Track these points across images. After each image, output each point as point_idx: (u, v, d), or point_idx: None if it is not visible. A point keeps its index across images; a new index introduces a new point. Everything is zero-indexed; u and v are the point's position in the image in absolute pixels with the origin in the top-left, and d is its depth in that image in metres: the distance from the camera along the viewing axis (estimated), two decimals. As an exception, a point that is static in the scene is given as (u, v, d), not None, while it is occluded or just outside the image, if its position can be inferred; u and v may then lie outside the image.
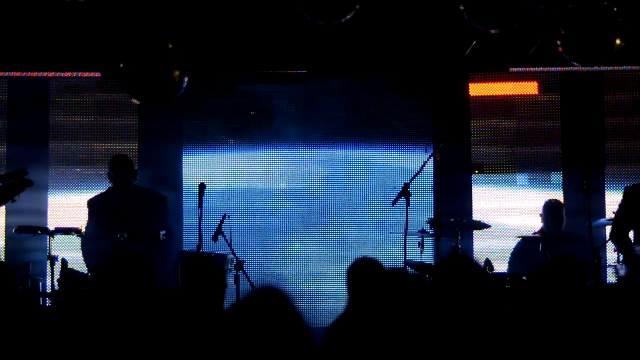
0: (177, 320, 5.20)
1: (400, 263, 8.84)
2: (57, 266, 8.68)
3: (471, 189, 10.48)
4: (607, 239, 9.03)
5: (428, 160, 9.21)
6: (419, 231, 9.20)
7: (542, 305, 5.00)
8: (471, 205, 10.40)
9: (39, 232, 9.08)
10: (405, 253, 8.90)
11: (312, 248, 10.43)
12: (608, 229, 9.14)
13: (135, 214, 9.23)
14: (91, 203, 9.47)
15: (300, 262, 10.40)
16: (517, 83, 10.61)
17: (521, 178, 10.62)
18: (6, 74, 10.41)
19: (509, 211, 10.36)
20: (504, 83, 10.62)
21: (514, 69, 10.44)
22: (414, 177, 9.09)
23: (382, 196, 10.16)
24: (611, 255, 9.11)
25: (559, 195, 10.24)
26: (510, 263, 9.61)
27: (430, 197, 9.99)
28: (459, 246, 9.14)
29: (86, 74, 10.40)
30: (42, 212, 10.28)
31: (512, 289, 8.41)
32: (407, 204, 9.02)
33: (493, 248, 9.97)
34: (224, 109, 10.58)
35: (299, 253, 10.42)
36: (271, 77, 10.45)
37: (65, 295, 8.54)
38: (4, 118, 10.47)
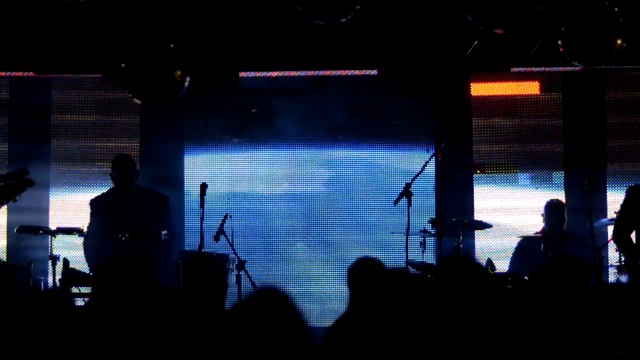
0: (178, 320, 5.20)
1: (401, 263, 8.84)
2: (59, 266, 8.70)
3: (473, 188, 10.48)
4: (609, 239, 9.02)
5: (430, 160, 9.21)
6: (421, 231, 9.20)
7: (543, 305, 5.00)
8: (473, 205, 10.40)
9: (41, 232, 9.09)
10: (406, 253, 8.90)
11: (313, 248, 10.43)
12: (609, 228, 9.13)
13: (137, 214, 9.24)
14: (93, 203, 9.48)
15: (301, 262, 10.40)
16: (519, 83, 10.60)
17: (523, 178, 10.61)
18: (8, 74, 10.42)
19: (510, 211, 10.36)
20: (505, 83, 10.62)
21: (516, 69, 10.44)
22: (415, 177, 9.09)
23: (383, 196, 10.16)
24: (613, 255, 9.10)
25: (560, 195, 10.24)
26: (512, 263, 9.61)
27: (431, 197, 9.98)
28: (461, 246, 9.13)
29: (88, 75, 10.40)
30: (44, 210, 10.29)
31: (513, 289, 8.41)
32: (409, 204, 9.01)
33: (495, 248, 9.97)
34: (226, 109, 10.58)
35: (301, 253, 10.42)
36: (272, 88, 10.47)
37: (66, 295, 8.55)
38: (6, 116, 10.48)
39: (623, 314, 4.75)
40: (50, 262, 8.79)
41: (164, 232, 8.86)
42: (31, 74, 10.35)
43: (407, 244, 8.93)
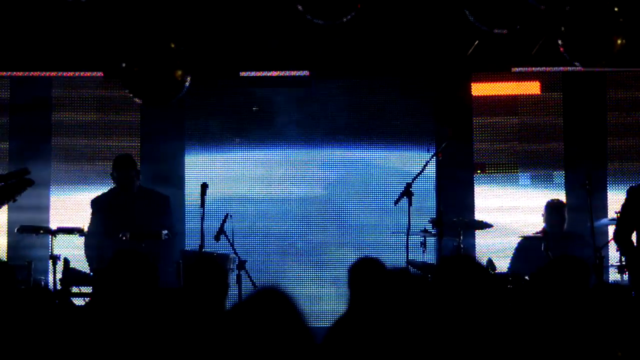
0: (179, 320, 5.20)
1: (402, 263, 8.84)
2: (60, 265, 8.70)
3: (473, 188, 10.48)
4: (609, 238, 9.01)
5: (430, 160, 9.21)
6: (422, 231, 9.20)
7: (543, 305, 5.00)
8: (473, 205, 10.40)
9: (42, 231, 9.08)
10: (407, 253, 8.91)
11: (314, 247, 10.43)
12: (610, 228, 9.13)
13: (138, 213, 9.24)
14: (94, 202, 9.48)
15: (302, 261, 10.40)
16: (520, 83, 10.60)
17: (523, 177, 10.61)
18: (8, 73, 10.44)
19: (511, 210, 10.36)
20: (506, 83, 10.62)
21: (516, 69, 10.44)
22: (416, 177, 9.09)
23: (384, 196, 10.16)
24: (613, 254, 9.10)
25: (561, 194, 10.24)
26: (513, 263, 9.61)
27: (432, 197, 9.98)
28: (461, 246, 9.13)
29: (88, 74, 10.41)
30: (44, 209, 10.30)
31: (514, 289, 8.41)
32: (410, 203, 9.02)
33: (495, 247, 9.97)
34: (226, 109, 10.58)
35: (301, 253, 10.42)
36: (274, 80, 10.47)
37: (67, 295, 8.56)
38: (7, 115, 10.49)
39: (623, 313, 4.75)
40: (50, 261, 8.78)
41: (165, 231, 8.86)
42: (32, 73, 10.36)
43: (407, 243, 8.93)
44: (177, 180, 10.40)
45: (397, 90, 10.54)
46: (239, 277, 8.80)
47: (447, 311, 4.15)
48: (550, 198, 9.89)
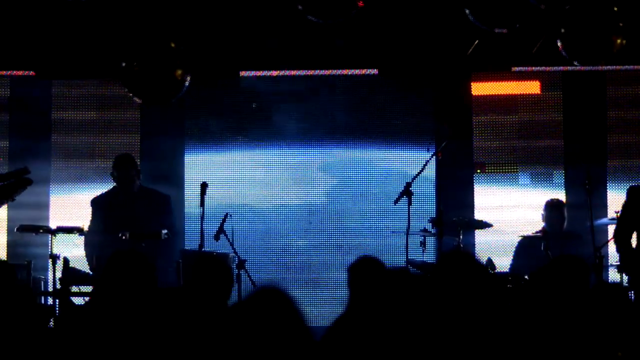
0: (178, 319, 5.20)
1: (402, 262, 8.85)
2: (59, 265, 8.70)
3: (473, 187, 10.48)
4: (609, 238, 9.01)
5: (430, 159, 9.21)
6: (421, 230, 9.20)
7: (543, 305, 5.00)
8: (473, 204, 10.40)
9: (41, 230, 9.08)
10: (407, 252, 8.91)
11: (313, 246, 10.43)
12: (610, 228, 9.13)
13: (138, 213, 9.24)
14: (94, 202, 9.48)
15: (302, 261, 10.40)
16: (520, 82, 10.60)
17: (523, 176, 10.61)
18: (8, 73, 10.45)
19: (511, 209, 10.36)
20: (506, 82, 10.62)
21: (516, 68, 10.44)
22: (416, 177, 9.09)
23: (384, 196, 10.16)
24: (613, 254, 9.09)
25: (561, 193, 10.25)
26: (513, 262, 9.61)
27: (432, 197, 9.98)
28: (461, 245, 9.14)
29: (87, 79, 10.44)
30: (44, 206, 10.31)
31: (514, 289, 8.41)
32: (409, 203, 9.02)
33: (495, 247, 9.97)
34: (226, 108, 10.58)
35: (301, 252, 10.43)
36: (274, 80, 10.48)
37: (67, 294, 8.56)
38: (7, 112, 10.50)
39: (623, 313, 4.75)
40: (50, 261, 8.79)
41: (164, 231, 8.86)
42: (32, 73, 10.37)
43: (407, 243, 8.93)
44: (177, 179, 10.40)
45: (397, 90, 10.54)
46: (238, 276, 8.80)
47: (445, 309, 4.15)
48: (550, 197, 9.89)
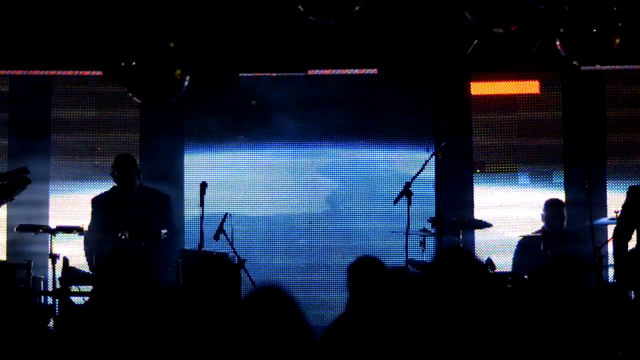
0: (178, 319, 5.20)
1: (401, 262, 8.85)
2: (59, 264, 8.70)
3: (473, 187, 10.49)
4: (609, 237, 9.00)
5: (430, 159, 9.21)
6: (421, 230, 9.21)
7: (544, 304, 5.00)
8: (473, 204, 10.40)
9: (41, 230, 9.08)
10: (406, 252, 8.91)
11: (313, 246, 10.43)
12: (610, 228, 9.12)
13: (138, 213, 9.23)
14: (95, 201, 9.48)
15: (301, 260, 10.40)
16: (519, 82, 10.61)
17: (523, 175, 10.61)
18: (8, 72, 10.45)
19: (511, 209, 10.36)
20: (505, 82, 10.62)
21: (516, 68, 10.44)
22: (415, 176, 9.09)
23: (383, 195, 10.16)
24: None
25: (560, 192, 10.25)
26: (513, 262, 9.61)
27: (431, 196, 9.98)
28: (461, 245, 9.13)
29: (87, 73, 10.43)
30: (43, 204, 10.31)
31: (514, 288, 8.41)
32: (409, 203, 9.01)
33: (495, 247, 9.98)
34: (226, 108, 10.58)
35: (301, 251, 10.43)
36: (273, 80, 10.48)
37: (66, 294, 8.56)
38: (6, 110, 10.51)
39: (623, 312, 4.75)
40: (50, 260, 8.79)
41: (164, 231, 8.86)
42: (31, 72, 10.38)
43: (407, 243, 8.93)
44: (176, 178, 10.41)
45: (396, 90, 10.54)
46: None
47: (444, 307, 4.15)
48: (550, 196, 9.89)
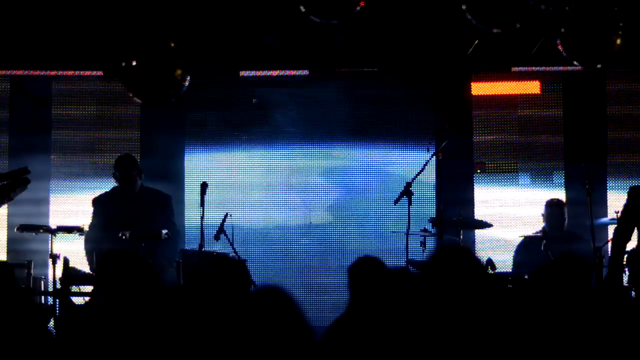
0: (179, 319, 5.20)
1: (402, 262, 8.85)
2: (59, 264, 8.70)
3: (473, 187, 10.48)
4: (609, 238, 8.99)
5: (430, 159, 9.21)
6: (421, 230, 9.20)
7: (545, 304, 5.00)
8: (473, 204, 10.40)
9: (41, 230, 9.09)
10: (407, 252, 8.91)
11: (313, 247, 10.43)
12: (610, 228, 9.12)
13: (139, 213, 9.24)
14: (96, 201, 9.49)
15: (301, 260, 10.41)
16: (520, 82, 10.61)
17: (523, 175, 10.61)
18: (8, 72, 10.46)
19: (511, 209, 10.36)
20: (506, 82, 10.62)
21: (517, 69, 10.44)
22: (416, 177, 9.10)
23: (384, 195, 10.16)
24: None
25: (561, 191, 10.25)
26: (513, 262, 9.61)
27: (432, 196, 9.98)
28: (461, 245, 9.13)
29: (88, 73, 10.44)
30: (44, 202, 10.31)
31: (514, 288, 8.40)
32: (409, 203, 9.02)
33: (495, 247, 9.98)
34: (227, 108, 10.59)
35: (301, 251, 10.43)
36: (274, 79, 10.48)
37: (67, 294, 8.56)
38: (7, 108, 10.52)
39: (624, 312, 4.75)
40: (50, 260, 8.79)
41: (164, 231, 8.86)
42: (32, 72, 10.40)
43: (407, 243, 8.94)
44: (177, 177, 10.41)
45: (397, 90, 10.54)
46: (238, 276, 8.79)
47: (444, 307, 4.14)
48: (550, 195, 9.90)
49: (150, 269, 5.36)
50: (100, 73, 10.39)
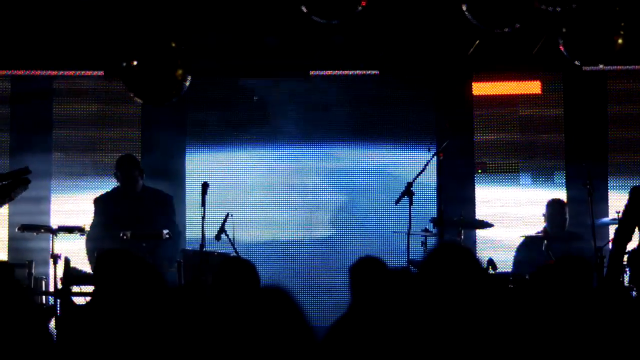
0: (179, 318, 5.20)
1: (403, 262, 8.85)
2: (60, 264, 8.71)
3: (474, 187, 10.48)
4: (610, 238, 8.99)
5: (431, 159, 9.21)
6: (422, 230, 9.20)
7: (546, 304, 5.00)
8: (474, 205, 10.40)
9: (42, 230, 9.09)
10: (408, 252, 8.91)
11: (314, 247, 10.43)
12: (611, 228, 9.11)
13: (140, 213, 9.24)
14: (97, 201, 9.49)
15: (302, 261, 10.40)
16: (520, 82, 10.60)
17: (524, 175, 10.61)
18: (9, 72, 10.47)
19: (512, 209, 10.36)
20: (507, 82, 10.62)
21: (517, 69, 10.44)
22: (417, 177, 9.10)
23: (385, 195, 10.16)
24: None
25: (562, 190, 10.25)
26: (514, 262, 9.61)
27: (433, 196, 9.98)
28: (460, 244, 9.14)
29: (89, 73, 10.44)
30: (45, 200, 10.32)
31: (515, 289, 8.40)
32: (410, 203, 9.02)
33: (496, 246, 9.98)
34: (227, 108, 10.59)
35: (302, 251, 10.42)
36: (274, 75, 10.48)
37: (68, 294, 8.56)
38: (8, 107, 10.52)
39: (624, 312, 4.75)
40: (51, 260, 8.80)
41: (165, 231, 8.86)
42: (33, 72, 10.40)
43: (408, 243, 8.94)
44: (178, 177, 10.42)
45: (398, 90, 10.54)
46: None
47: (444, 306, 4.14)
48: (551, 195, 9.89)
49: (150, 268, 5.35)
50: (101, 73, 10.39)
